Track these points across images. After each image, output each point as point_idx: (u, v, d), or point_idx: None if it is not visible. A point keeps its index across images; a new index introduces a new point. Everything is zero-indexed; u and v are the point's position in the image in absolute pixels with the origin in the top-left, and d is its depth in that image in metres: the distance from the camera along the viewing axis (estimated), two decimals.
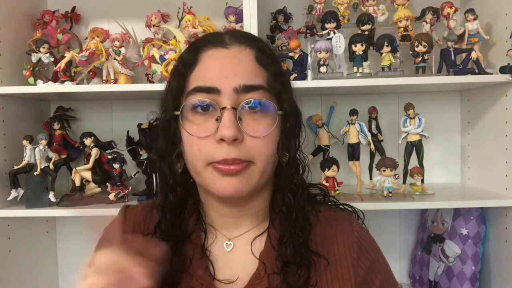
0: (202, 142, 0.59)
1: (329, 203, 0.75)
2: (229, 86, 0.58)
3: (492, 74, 1.23)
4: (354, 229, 0.69)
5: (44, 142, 1.29)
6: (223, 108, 0.57)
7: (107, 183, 1.32)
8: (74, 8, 1.49)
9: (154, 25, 1.37)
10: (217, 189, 0.60)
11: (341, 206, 0.76)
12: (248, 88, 0.58)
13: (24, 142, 1.28)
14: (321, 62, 1.27)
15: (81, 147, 1.40)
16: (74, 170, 1.34)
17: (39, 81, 1.28)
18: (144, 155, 1.36)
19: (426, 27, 1.32)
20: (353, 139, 1.36)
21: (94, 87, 1.26)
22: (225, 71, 0.58)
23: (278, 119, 0.61)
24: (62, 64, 1.28)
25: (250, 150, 0.59)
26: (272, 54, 0.64)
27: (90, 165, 1.32)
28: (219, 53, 0.60)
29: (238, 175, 0.59)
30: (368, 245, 0.69)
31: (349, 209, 0.75)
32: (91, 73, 1.36)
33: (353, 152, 1.37)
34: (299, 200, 0.66)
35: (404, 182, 1.36)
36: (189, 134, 0.60)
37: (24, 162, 1.27)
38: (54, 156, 1.33)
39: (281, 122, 0.63)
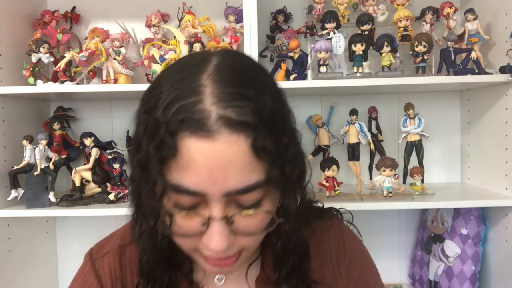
0: (187, 237, 0.52)
1: (315, 208, 0.71)
2: (218, 191, 0.46)
3: (492, 74, 1.23)
4: (345, 239, 0.69)
5: (44, 142, 1.29)
6: (211, 217, 0.48)
7: (107, 183, 1.33)
8: (74, 8, 1.49)
9: (154, 25, 1.37)
10: (209, 271, 0.57)
11: (330, 209, 0.73)
12: (241, 191, 0.47)
13: (24, 142, 1.28)
14: (321, 62, 1.27)
15: (81, 147, 1.40)
16: (74, 170, 1.34)
17: (39, 81, 1.28)
18: None
19: (426, 27, 1.32)
20: (353, 139, 1.36)
21: (94, 87, 1.26)
22: (213, 174, 0.45)
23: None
24: (62, 64, 1.28)
25: (241, 244, 0.52)
26: (275, 125, 0.48)
27: (90, 165, 1.32)
28: (203, 148, 0.45)
29: (229, 265, 0.54)
30: (356, 255, 0.69)
31: (335, 213, 0.72)
32: (91, 73, 1.36)
33: (353, 152, 1.37)
34: (297, 240, 0.59)
35: (404, 182, 1.36)
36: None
37: (24, 162, 1.27)
38: (54, 156, 1.33)
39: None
